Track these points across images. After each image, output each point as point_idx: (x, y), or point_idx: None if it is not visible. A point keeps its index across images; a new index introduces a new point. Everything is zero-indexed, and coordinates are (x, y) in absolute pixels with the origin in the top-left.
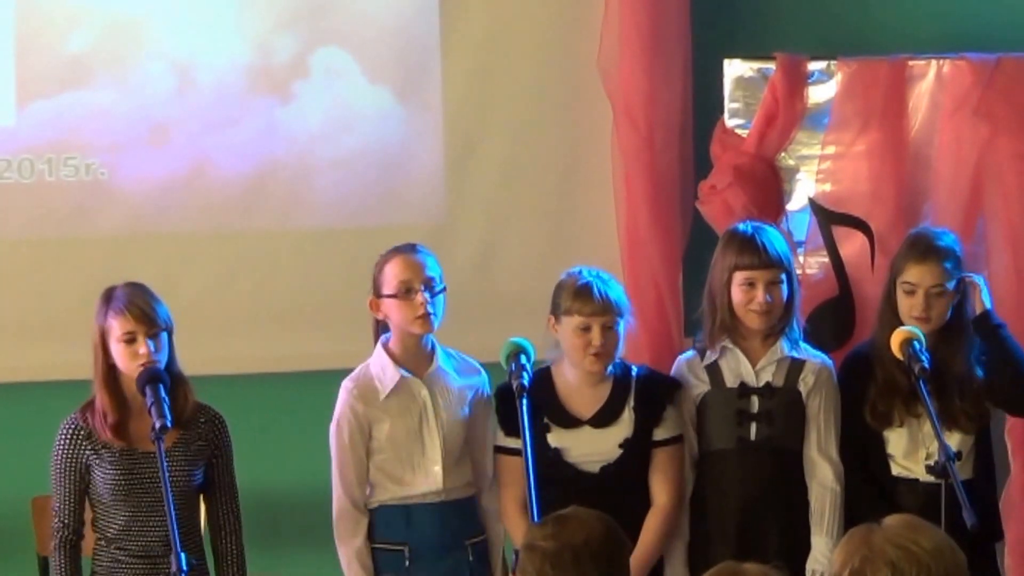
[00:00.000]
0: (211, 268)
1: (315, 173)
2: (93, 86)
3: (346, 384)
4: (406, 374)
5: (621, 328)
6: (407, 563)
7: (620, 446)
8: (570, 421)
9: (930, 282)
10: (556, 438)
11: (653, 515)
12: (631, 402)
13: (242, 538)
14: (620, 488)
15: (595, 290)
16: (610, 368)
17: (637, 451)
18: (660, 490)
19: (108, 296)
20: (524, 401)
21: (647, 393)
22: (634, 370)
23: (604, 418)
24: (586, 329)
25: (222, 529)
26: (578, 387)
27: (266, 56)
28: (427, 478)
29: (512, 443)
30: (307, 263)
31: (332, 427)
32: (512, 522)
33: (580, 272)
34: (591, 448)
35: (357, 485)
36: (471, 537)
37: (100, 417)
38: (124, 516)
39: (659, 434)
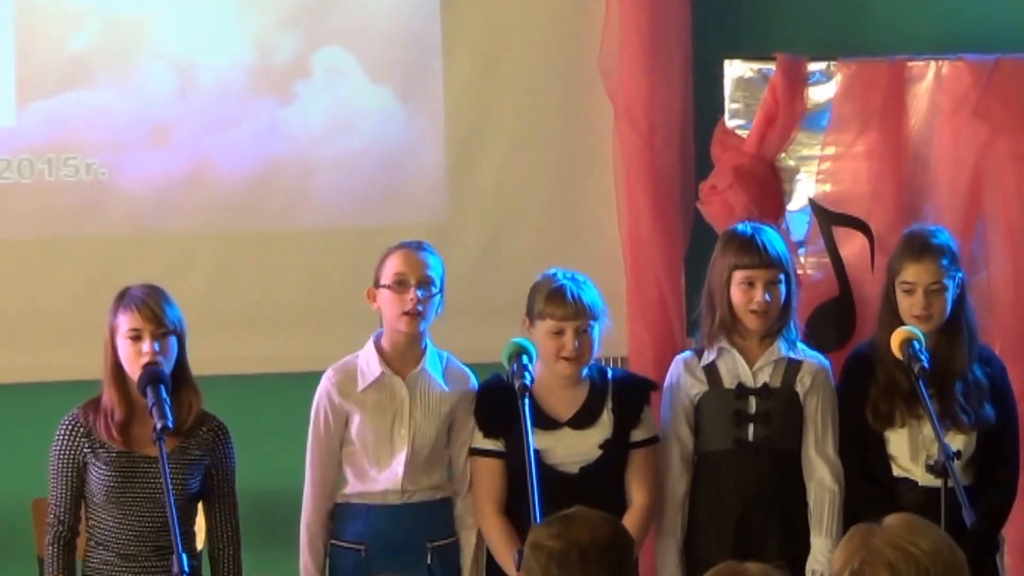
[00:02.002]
0: (211, 268)
1: (316, 173)
2: (93, 86)
3: (328, 372)
4: (388, 371)
5: (596, 331)
6: (364, 562)
7: (600, 447)
8: (549, 423)
9: (928, 280)
10: (537, 439)
11: (631, 515)
12: (609, 403)
13: (240, 550)
14: (598, 488)
15: (568, 293)
16: (585, 370)
17: (616, 452)
18: (638, 491)
19: (122, 294)
20: (527, 401)
21: (625, 395)
22: (610, 372)
23: (583, 419)
24: (559, 333)
25: (219, 540)
26: (555, 389)
27: (267, 56)
28: (389, 478)
29: (490, 445)
30: (308, 263)
31: (311, 413)
32: (488, 523)
33: (555, 275)
34: (571, 449)
35: (327, 472)
36: (435, 540)
37: (105, 415)
38: (115, 518)
39: (637, 435)
